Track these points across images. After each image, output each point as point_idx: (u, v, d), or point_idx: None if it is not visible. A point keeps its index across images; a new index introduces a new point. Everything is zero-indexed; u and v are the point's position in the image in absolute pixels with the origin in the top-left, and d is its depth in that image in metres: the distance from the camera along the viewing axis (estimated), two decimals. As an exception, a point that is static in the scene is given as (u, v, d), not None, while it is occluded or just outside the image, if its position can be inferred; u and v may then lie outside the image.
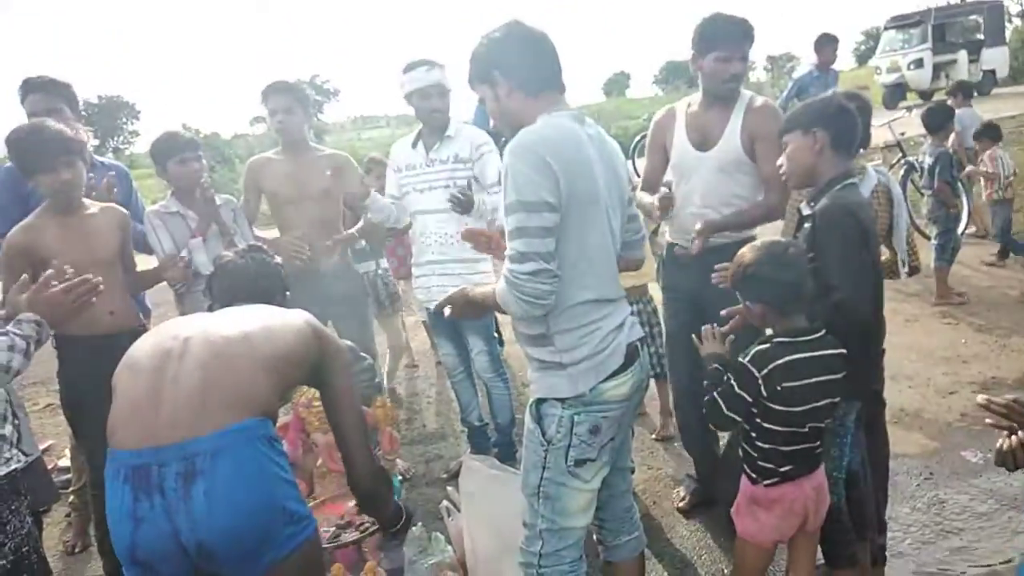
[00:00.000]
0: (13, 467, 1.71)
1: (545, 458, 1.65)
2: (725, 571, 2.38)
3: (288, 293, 1.99)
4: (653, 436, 3.41)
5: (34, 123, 2.35)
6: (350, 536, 2.30)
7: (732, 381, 1.78)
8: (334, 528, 2.35)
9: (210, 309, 1.85)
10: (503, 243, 1.63)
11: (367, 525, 2.29)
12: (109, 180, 2.83)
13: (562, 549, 1.68)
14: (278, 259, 2.05)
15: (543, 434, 1.65)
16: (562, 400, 1.63)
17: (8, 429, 1.73)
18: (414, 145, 3.01)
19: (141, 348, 1.52)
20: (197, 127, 33.75)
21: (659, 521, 2.74)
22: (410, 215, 3.04)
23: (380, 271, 4.16)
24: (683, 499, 2.82)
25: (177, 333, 1.52)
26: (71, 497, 3.10)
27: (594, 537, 1.98)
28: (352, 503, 2.28)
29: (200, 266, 2.79)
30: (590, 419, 1.63)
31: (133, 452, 1.35)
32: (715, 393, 1.80)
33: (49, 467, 3.56)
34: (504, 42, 1.67)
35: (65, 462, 3.50)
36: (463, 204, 2.73)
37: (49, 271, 1.78)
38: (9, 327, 1.62)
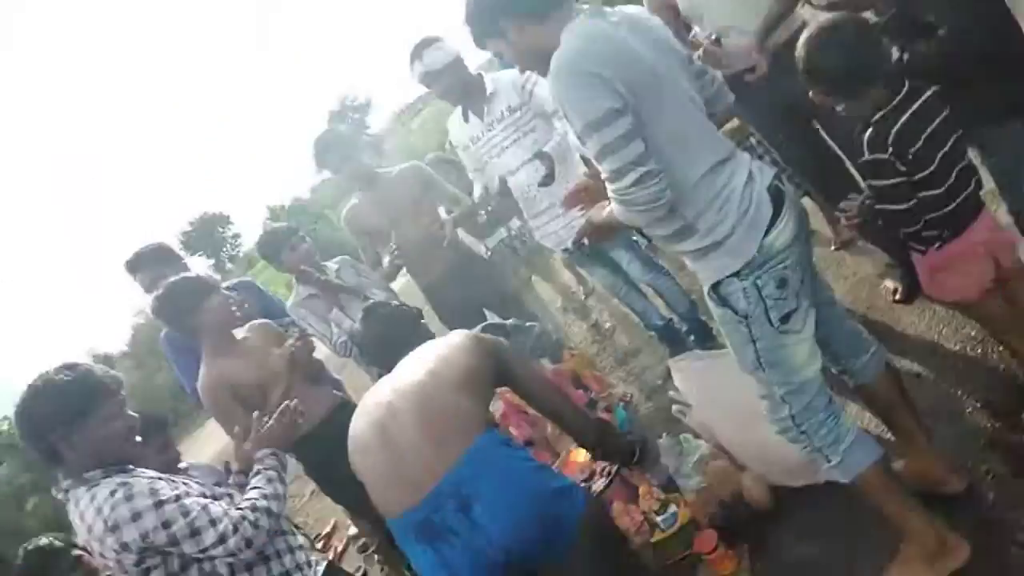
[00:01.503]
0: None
1: (750, 332, 1.62)
2: (974, 338, 2.25)
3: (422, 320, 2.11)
4: (833, 248, 3.26)
5: (169, 287, 2.57)
6: (600, 484, 2.41)
7: (873, 184, 1.71)
8: (582, 484, 2.48)
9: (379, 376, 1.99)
10: (597, 184, 1.60)
11: (610, 468, 2.39)
12: (238, 303, 3.06)
13: (810, 402, 1.66)
14: (395, 304, 2.18)
15: (736, 312, 1.62)
16: (736, 273, 1.58)
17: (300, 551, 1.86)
18: (465, 119, 3.01)
19: (358, 429, 1.66)
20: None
21: (882, 322, 2.63)
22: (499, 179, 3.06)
23: (513, 233, 4.19)
24: (895, 291, 2.69)
25: (378, 401, 1.65)
26: (375, 555, 3.47)
27: (833, 371, 1.94)
28: None
29: (351, 332, 2.99)
30: (772, 276, 1.58)
31: (408, 513, 1.49)
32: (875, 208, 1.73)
33: (342, 543, 4.02)
34: None
35: (353, 530, 3.91)
36: (549, 174, 2.71)
37: (255, 413, 1.96)
38: (253, 481, 1.75)
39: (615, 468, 2.36)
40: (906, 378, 2.23)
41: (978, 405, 2.05)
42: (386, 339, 2.02)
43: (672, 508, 2.34)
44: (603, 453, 1.96)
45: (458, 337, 1.76)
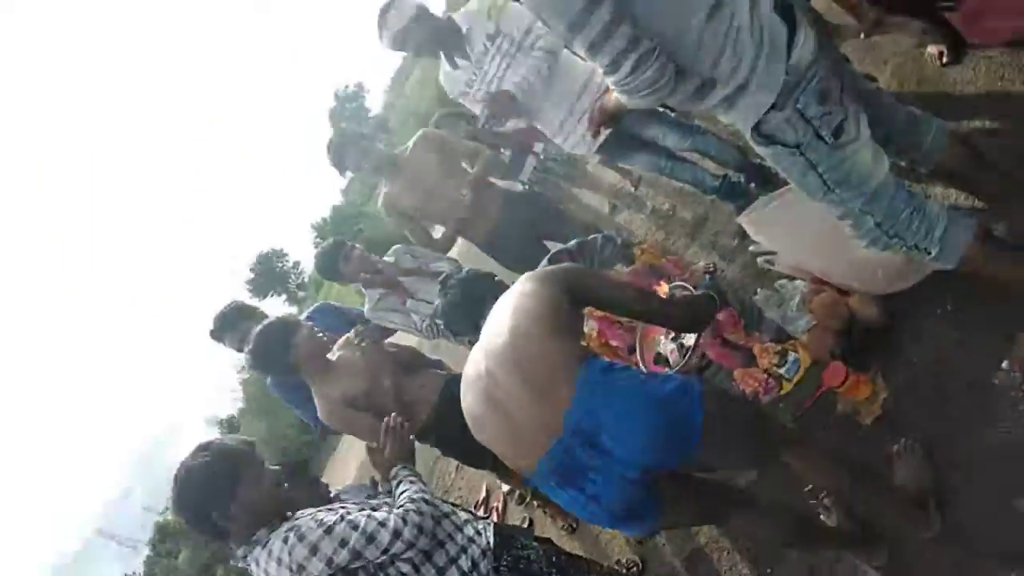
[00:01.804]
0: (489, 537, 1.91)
1: (807, 159, 1.55)
2: None
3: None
4: (862, 36, 3.05)
5: (257, 341, 2.67)
6: (680, 350, 2.44)
7: None
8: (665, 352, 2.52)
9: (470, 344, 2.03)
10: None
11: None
12: (321, 329, 3.17)
13: (891, 203, 1.59)
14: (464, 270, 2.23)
15: (786, 145, 1.54)
16: (773, 106, 1.50)
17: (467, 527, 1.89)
18: (453, 66, 2.95)
19: (468, 405, 1.69)
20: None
21: (938, 91, 2.47)
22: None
23: (540, 157, 4.13)
24: (940, 55, 2.50)
25: (477, 372, 1.67)
26: (534, 502, 3.61)
27: (903, 165, 1.85)
28: None
29: (433, 313, 3.06)
30: (811, 94, 1.49)
31: (541, 464, 1.53)
32: None
33: (500, 501, 4.19)
34: None
35: (505, 487, 4.06)
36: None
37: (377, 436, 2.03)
38: (398, 487, 1.83)
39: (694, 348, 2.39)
40: (980, 136, 2.11)
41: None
42: (466, 306, 2.06)
43: (792, 355, 2.32)
44: (695, 327, 1.96)
45: (525, 282, 1.76)
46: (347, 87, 50.62)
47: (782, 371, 2.33)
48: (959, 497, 1.67)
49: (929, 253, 1.60)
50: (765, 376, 2.37)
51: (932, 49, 2.54)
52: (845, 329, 2.15)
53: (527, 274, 1.79)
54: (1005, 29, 1.65)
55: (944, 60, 2.48)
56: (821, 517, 1.98)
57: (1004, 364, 1.69)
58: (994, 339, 1.75)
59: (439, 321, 2.86)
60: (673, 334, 2.56)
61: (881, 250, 1.66)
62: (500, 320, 1.70)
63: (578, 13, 1.40)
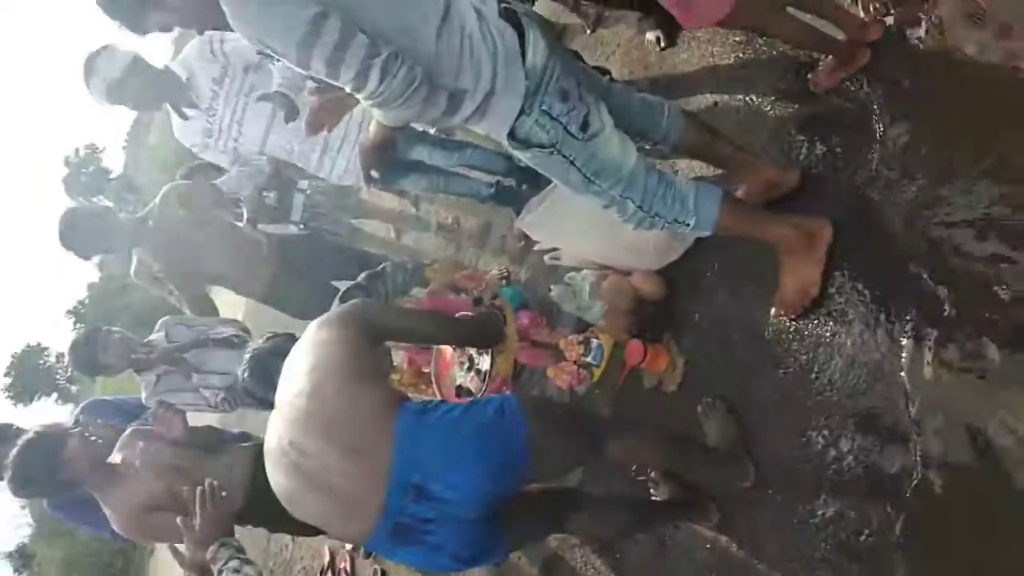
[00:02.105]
0: None
1: (564, 156, 1.59)
2: (740, 43, 2.33)
3: None
4: (588, 32, 3.25)
5: (17, 464, 2.24)
6: (478, 376, 2.46)
7: None
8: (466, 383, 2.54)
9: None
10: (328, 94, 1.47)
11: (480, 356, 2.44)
12: (94, 430, 2.78)
13: (645, 185, 1.67)
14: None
15: (543, 146, 1.57)
16: (521, 111, 1.52)
17: None
18: (183, 117, 2.71)
19: (277, 484, 1.54)
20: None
21: (662, 74, 2.69)
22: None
23: (307, 193, 3.87)
24: (658, 40, 2.73)
25: (280, 446, 1.52)
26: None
27: (647, 148, 1.97)
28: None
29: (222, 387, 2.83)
30: (552, 94, 1.52)
31: (375, 530, 1.42)
32: None
33: (346, 561, 3.96)
34: None
35: (348, 544, 3.84)
36: (290, 109, 2.49)
37: (178, 519, 1.80)
38: None
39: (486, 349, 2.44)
40: (705, 112, 2.32)
41: (773, 99, 2.15)
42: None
43: (594, 342, 2.40)
44: (486, 341, 1.96)
45: (317, 330, 1.63)
46: (77, 151, 45.54)
47: (589, 359, 2.40)
48: (764, 441, 1.81)
49: (688, 224, 1.72)
50: (575, 368, 2.43)
51: (650, 35, 2.76)
52: (634, 307, 2.26)
53: (317, 321, 1.66)
54: (707, 13, 1.82)
55: (662, 45, 2.71)
56: (652, 493, 2.06)
57: (772, 311, 1.86)
58: (759, 290, 1.92)
59: (244, 391, 2.61)
60: (467, 363, 2.56)
61: (647, 229, 1.76)
62: (296, 381, 1.55)
63: (305, 31, 1.31)
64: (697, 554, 1.93)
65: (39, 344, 44.43)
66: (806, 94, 2.01)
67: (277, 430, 1.54)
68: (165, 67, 2.69)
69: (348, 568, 3.88)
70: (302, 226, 3.91)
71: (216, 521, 1.75)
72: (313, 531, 2.74)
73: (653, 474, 2.08)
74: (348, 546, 3.86)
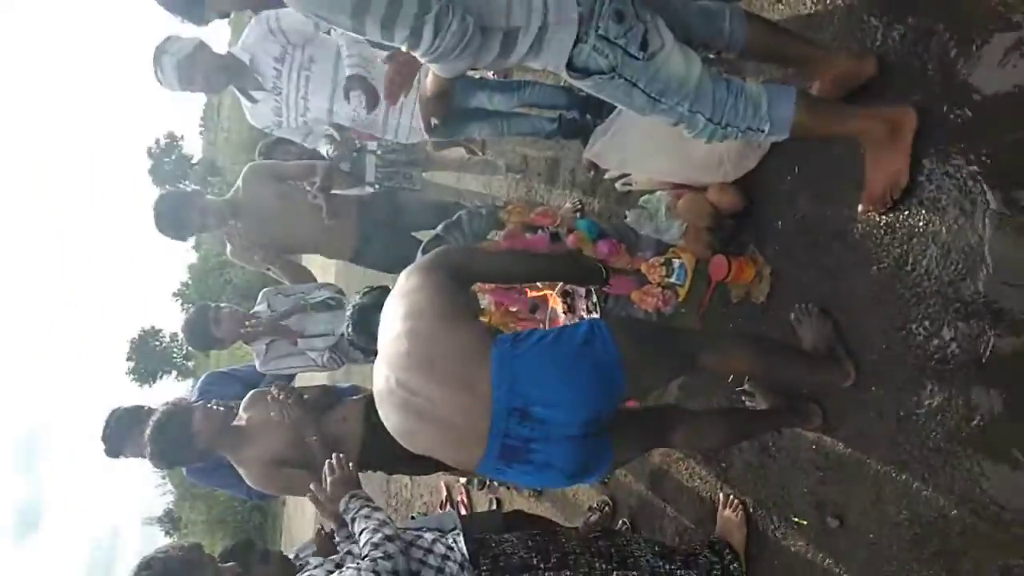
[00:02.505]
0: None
1: (626, 79, 1.57)
2: None
3: None
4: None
5: (153, 439, 2.47)
6: (588, 303, 2.49)
7: None
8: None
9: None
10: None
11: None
12: (215, 400, 3.00)
13: (713, 96, 1.63)
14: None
15: (603, 73, 1.56)
16: (577, 39, 1.51)
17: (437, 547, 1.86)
18: (251, 100, 2.80)
19: (391, 422, 1.63)
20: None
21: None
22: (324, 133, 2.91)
23: (378, 154, 3.97)
24: None
25: (389, 387, 1.61)
26: (494, 482, 3.62)
27: (712, 57, 1.91)
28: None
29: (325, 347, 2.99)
30: (606, 17, 1.50)
31: (484, 454, 1.51)
32: None
33: (463, 494, 4.18)
34: None
35: (462, 478, 4.05)
36: (369, 98, 2.54)
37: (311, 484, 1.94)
38: (354, 528, 1.75)
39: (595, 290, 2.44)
40: (769, 11, 2.22)
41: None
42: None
43: (676, 262, 2.40)
44: (579, 280, 1.98)
45: (407, 278, 1.71)
46: (158, 142, 47.53)
47: (673, 279, 2.41)
48: (862, 338, 1.79)
49: (763, 131, 1.67)
50: (660, 290, 2.44)
51: None
52: (713, 223, 2.23)
53: (406, 270, 1.74)
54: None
55: None
56: (747, 404, 2.08)
57: (859, 208, 1.81)
58: (844, 188, 1.86)
59: (351, 346, 2.75)
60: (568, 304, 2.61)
61: (720, 141, 1.73)
62: (394, 326, 1.64)
63: None
64: (802, 456, 1.95)
65: (152, 327, 47.63)
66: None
67: (383, 373, 1.64)
68: (228, 52, 2.77)
69: (465, 500, 4.10)
70: (377, 186, 4.01)
71: (343, 482, 1.89)
72: (426, 468, 2.92)
73: (747, 386, 2.09)
74: (463, 480, 4.08)
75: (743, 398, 2.11)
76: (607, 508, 2.85)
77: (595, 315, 2.61)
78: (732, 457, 2.22)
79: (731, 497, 2.17)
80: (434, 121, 1.85)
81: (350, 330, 2.14)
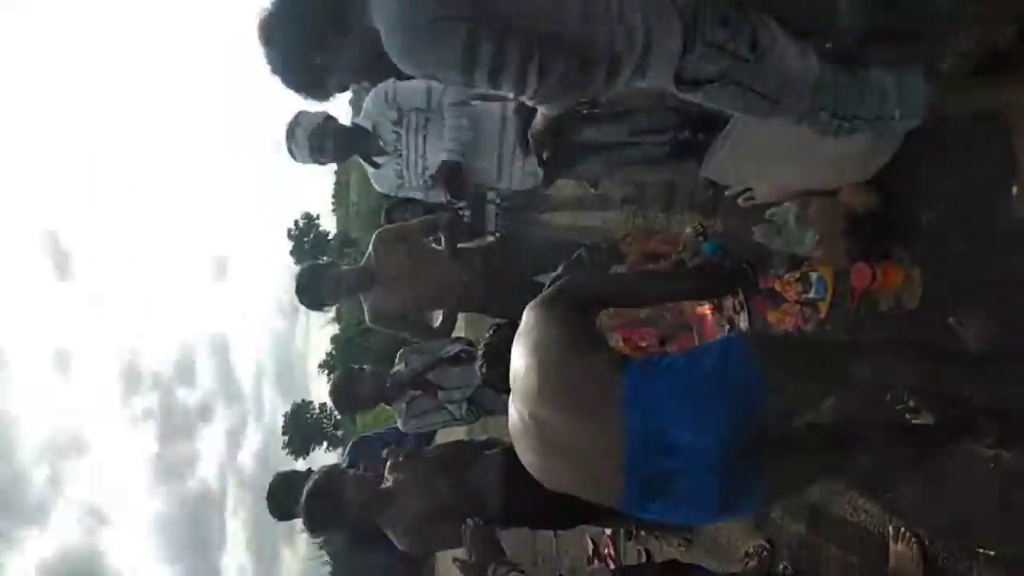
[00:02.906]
0: None
1: (739, 84, 1.51)
2: None
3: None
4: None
5: (310, 506, 2.56)
6: (743, 320, 2.37)
7: None
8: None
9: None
10: None
11: (739, 299, 2.36)
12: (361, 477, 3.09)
13: (835, 87, 1.55)
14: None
15: (714, 81, 1.51)
16: (684, 50, 1.48)
17: None
18: (375, 166, 2.97)
19: (530, 463, 1.61)
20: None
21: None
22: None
23: (497, 203, 4.06)
24: None
25: (525, 425, 1.59)
26: (640, 532, 3.48)
27: (828, 46, 1.81)
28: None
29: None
30: (711, 23, 1.46)
31: (626, 489, 1.45)
32: None
33: (609, 546, 4.04)
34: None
35: (606, 529, 3.91)
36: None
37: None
38: None
39: (742, 294, 2.30)
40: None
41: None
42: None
43: (813, 276, 2.25)
44: (720, 289, 1.89)
45: (529, 313, 1.71)
46: (296, 223, 51.28)
47: (812, 294, 2.25)
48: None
49: (894, 118, 1.56)
50: (798, 307, 2.29)
51: None
52: (850, 227, 2.08)
53: (528, 306, 1.73)
54: None
55: None
56: (913, 421, 1.87)
57: (1014, 190, 1.62)
58: (992, 168, 1.68)
59: (485, 388, 2.76)
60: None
61: (849, 135, 1.62)
62: (522, 361, 1.63)
63: (463, 57, 1.40)
64: (978, 476, 1.73)
65: (303, 400, 50.59)
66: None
67: (516, 409, 1.62)
68: (353, 123, 2.97)
69: (611, 553, 3.95)
70: (498, 233, 4.12)
71: (483, 551, 1.88)
72: (568, 519, 2.83)
73: (911, 400, 1.89)
74: (608, 531, 3.94)
75: (907, 415, 1.91)
76: (765, 552, 2.64)
77: (742, 316, 2.46)
78: (897, 485, 2.00)
79: (902, 530, 1.95)
80: (546, 154, 1.86)
81: (483, 369, 2.15)
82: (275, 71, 1.61)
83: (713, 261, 2.01)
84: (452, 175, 2.61)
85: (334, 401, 3.26)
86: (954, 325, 1.76)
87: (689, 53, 1.48)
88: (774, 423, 1.56)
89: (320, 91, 1.68)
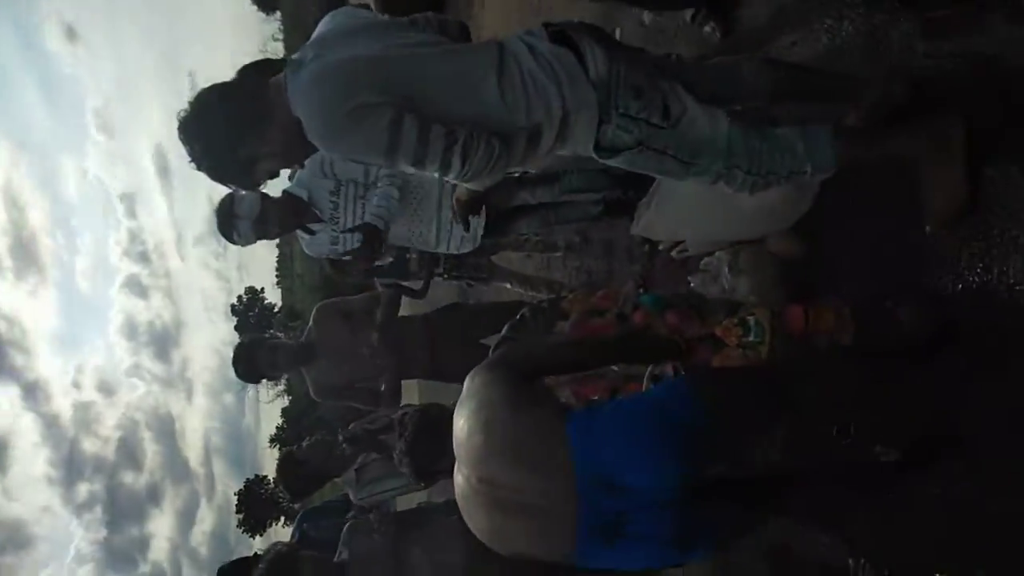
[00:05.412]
0: None
1: (655, 150, 1.58)
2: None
3: None
4: (646, 23, 3.22)
5: None
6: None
7: None
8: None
9: None
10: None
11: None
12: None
13: (747, 147, 1.62)
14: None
15: (631, 148, 1.58)
16: (600, 122, 1.55)
17: None
18: (311, 232, 2.94)
19: (476, 523, 1.57)
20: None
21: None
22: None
23: (440, 271, 4.03)
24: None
25: (471, 488, 1.54)
26: None
27: (737, 109, 1.90)
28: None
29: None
30: (626, 94, 1.53)
31: (579, 536, 1.42)
32: None
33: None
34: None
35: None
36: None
37: None
38: None
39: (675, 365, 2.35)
40: (787, 54, 2.22)
41: (854, 14, 2.02)
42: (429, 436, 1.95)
43: (751, 319, 2.30)
44: (654, 357, 1.91)
45: (473, 378, 1.69)
46: (240, 299, 50.19)
47: (751, 338, 2.31)
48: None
49: (805, 172, 1.64)
50: (740, 351, 2.34)
51: (706, 28, 2.65)
52: (780, 272, 2.16)
53: (472, 371, 1.72)
54: None
55: (718, 34, 2.60)
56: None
57: (927, 228, 1.72)
58: (908, 211, 1.78)
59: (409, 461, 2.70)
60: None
61: (765, 191, 1.69)
62: (465, 424, 1.60)
63: (388, 140, 1.43)
64: (927, 510, 1.78)
65: (256, 475, 48.68)
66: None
67: (463, 475, 1.59)
68: (286, 193, 2.94)
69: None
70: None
71: None
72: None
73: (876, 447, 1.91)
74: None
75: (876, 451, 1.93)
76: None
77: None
78: (852, 523, 2.03)
79: (863, 562, 1.97)
80: (472, 219, 1.88)
81: (404, 460, 2.10)
82: (200, 168, 1.60)
83: (644, 332, 2.05)
84: (370, 236, 2.61)
85: (284, 484, 3.10)
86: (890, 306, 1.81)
87: (605, 124, 1.55)
88: (724, 458, 1.57)
89: (247, 180, 1.68)
